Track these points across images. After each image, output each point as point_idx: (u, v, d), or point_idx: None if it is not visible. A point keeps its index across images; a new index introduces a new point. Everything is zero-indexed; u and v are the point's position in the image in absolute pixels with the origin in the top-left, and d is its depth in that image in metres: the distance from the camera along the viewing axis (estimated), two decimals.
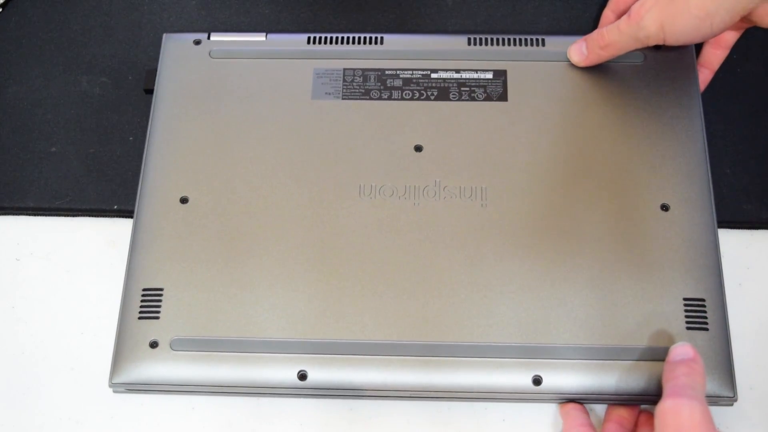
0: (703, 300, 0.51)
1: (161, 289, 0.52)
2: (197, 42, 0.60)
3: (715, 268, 0.52)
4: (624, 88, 0.57)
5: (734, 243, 0.57)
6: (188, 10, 0.67)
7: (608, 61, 0.57)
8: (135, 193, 0.57)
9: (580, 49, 0.57)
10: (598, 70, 0.58)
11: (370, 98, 0.57)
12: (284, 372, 0.50)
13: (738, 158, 0.60)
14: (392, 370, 0.50)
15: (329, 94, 0.58)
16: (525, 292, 0.51)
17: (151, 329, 0.51)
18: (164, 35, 0.61)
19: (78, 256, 0.59)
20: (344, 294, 0.51)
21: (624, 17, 0.54)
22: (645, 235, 0.52)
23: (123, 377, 0.50)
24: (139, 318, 0.51)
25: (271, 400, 0.53)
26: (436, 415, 0.53)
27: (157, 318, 0.51)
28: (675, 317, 0.50)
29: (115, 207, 0.60)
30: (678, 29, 0.52)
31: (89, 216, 0.60)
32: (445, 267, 0.52)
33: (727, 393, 0.49)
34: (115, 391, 0.52)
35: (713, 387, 0.49)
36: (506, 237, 0.53)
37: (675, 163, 0.54)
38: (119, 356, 0.51)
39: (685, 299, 0.51)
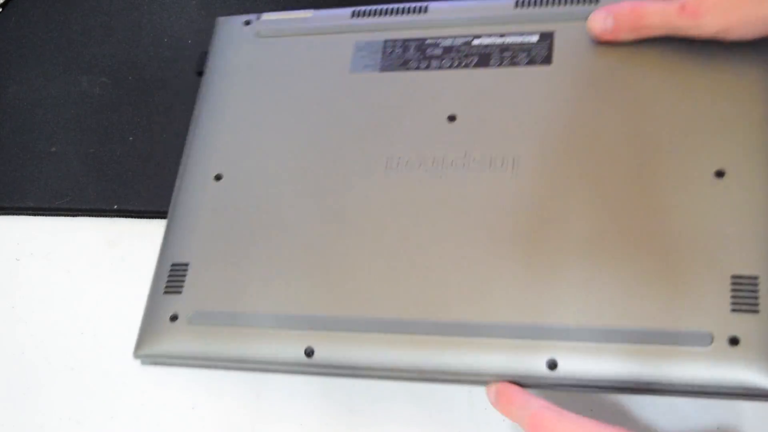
0: (757, 277, 0.44)
1: (187, 264, 0.52)
2: (247, 23, 0.60)
3: None
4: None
5: None
6: (188, 10, 0.67)
7: None
8: (135, 193, 0.57)
9: (604, 21, 0.51)
10: None
11: (408, 69, 0.55)
12: (291, 349, 0.48)
13: None
14: (410, 349, 0.47)
15: (368, 66, 0.56)
16: (553, 268, 0.47)
17: (173, 303, 0.51)
18: (217, 19, 0.61)
19: (78, 256, 0.59)
20: (364, 269, 0.49)
21: (676, 6, 0.48)
22: (695, 204, 0.46)
23: (144, 350, 0.51)
24: (165, 292, 0.52)
25: (272, 401, 0.53)
26: (437, 418, 0.52)
27: (180, 292, 0.51)
28: (720, 297, 0.44)
29: (115, 207, 0.60)
30: (749, 32, 0.48)
31: (89, 216, 0.60)
32: (468, 242, 0.49)
33: None
34: (142, 363, 0.53)
35: (761, 379, 0.42)
36: (536, 210, 0.48)
37: (736, 124, 0.48)
38: (143, 329, 0.51)
39: (733, 276, 0.44)
